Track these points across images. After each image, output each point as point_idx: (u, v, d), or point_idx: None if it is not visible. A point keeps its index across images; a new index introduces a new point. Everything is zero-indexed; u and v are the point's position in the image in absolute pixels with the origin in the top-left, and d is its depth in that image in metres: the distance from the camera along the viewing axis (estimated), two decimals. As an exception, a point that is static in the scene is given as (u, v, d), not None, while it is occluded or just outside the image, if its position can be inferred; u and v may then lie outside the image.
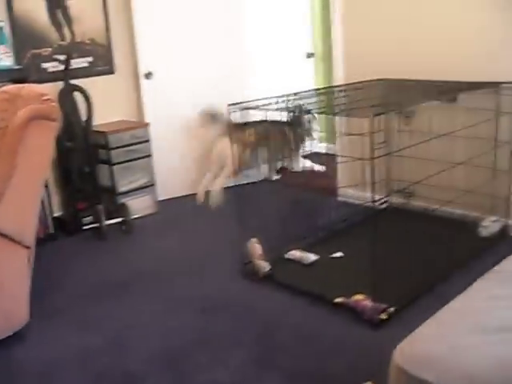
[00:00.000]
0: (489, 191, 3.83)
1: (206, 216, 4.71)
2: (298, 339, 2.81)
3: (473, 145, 3.81)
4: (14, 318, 2.91)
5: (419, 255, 3.38)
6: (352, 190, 4.10)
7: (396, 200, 4.26)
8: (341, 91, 3.73)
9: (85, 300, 3.39)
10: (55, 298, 3.44)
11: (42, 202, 4.25)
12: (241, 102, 3.29)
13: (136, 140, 4.74)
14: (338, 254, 3.59)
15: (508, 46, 3.61)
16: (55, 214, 4.55)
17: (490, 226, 3.74)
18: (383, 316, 2.87)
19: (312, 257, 3.60)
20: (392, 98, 3.59)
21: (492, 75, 3.67)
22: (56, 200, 4.68)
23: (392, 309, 2.91)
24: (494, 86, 3.63)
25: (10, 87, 2.92)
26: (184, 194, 5.26)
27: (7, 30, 4.29)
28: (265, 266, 3.46)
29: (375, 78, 4.12)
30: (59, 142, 4.39)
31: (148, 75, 4.97)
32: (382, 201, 4.30)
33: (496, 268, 2.09)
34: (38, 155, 2.89)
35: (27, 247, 2.90)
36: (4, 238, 2.77)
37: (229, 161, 4.14)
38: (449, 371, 1.48)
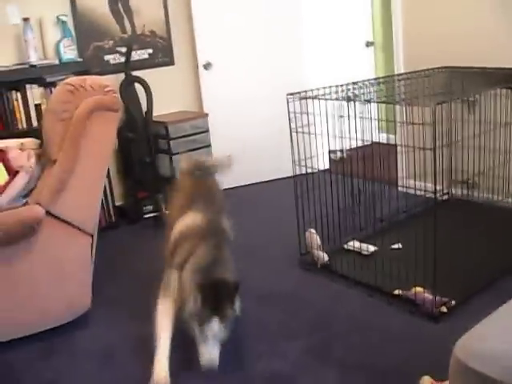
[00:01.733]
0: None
1: (265, 205, 4.73)
2: (355, 330, 2.79)
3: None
4: (77, 303, 3.00)
5: (481, 248, 3.29)
6: (412, 181, 4.03)
7: (458, 191, 4.15)
8: (401, 80, 3.66)
9: (144, 288, 3.44)
10: (116, 285, 3.52)
11: (105, 191, 4.35)
12: (299, 92, 3.28)
13: (195, 130, 4.79)
14: (398, 246, 3.53)
15: None
16: (117, 203, 4.65)
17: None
18: (443, 309, 2.81)
19: (371, 248, 3.57)
20: (455, 86, 3.49)
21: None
22: (118, 190, 4.79)
23: (452, 302, 2.85)
24: None
25: (74, 79, 2.98)
26: (243, 183, 5.28)
27: (70, 24, 4.41)
28: (323, 256, 3.44)
29: (437, 66, 4.02)
30: (121, 132, 4.50)
31: (207, 66, 5.01)
32: (444, 192, 4.21)
33: None
34: (101, 145, 2.96)
35: (90, 235, 2.98)
36: (68, 226, 2.86)
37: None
38: (509, 365, 1.44)
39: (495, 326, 1.61)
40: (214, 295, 2.30)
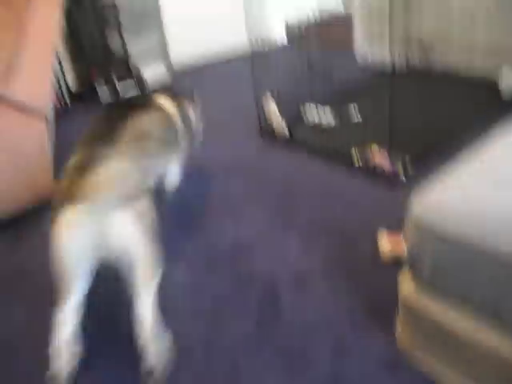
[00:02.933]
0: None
1: (222, 82, 4.66)
2: (317, 198, 2.86)
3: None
4: (39, 187, 2.99)
5: (437, 115, 3.33)
6: (370, 50, 3.98)
7: (416, 60, 4.13)
8: None
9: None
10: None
11: (57, 77, 4.22)
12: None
13: (146, 5, 4.59)
14: (356, 116, 3.55)
15: None
16: (72, 90, 4.54)
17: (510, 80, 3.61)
18: (401, 174, 2.88)
19: (330, 120, 3.58)
20: None
21: None
22: (71, 75, 4.65)
23: (407, 157, 2.91)
24: None
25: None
26: (199, 55, 5.15)
27: None
28: (283, 126, 3.45)
29: None
30: (67, 11, 4.28)
31: None
32: (401, 61, 4.20)
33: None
34: (47, 22, 2.84)
35: (45, 117, 2.92)
36: (22, 109, 2.79)
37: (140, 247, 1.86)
38: (464, 221, 1.51)
39: (448, 181, 1.67)
40: None
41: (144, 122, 2.24)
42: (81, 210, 1.72)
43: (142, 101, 2.45)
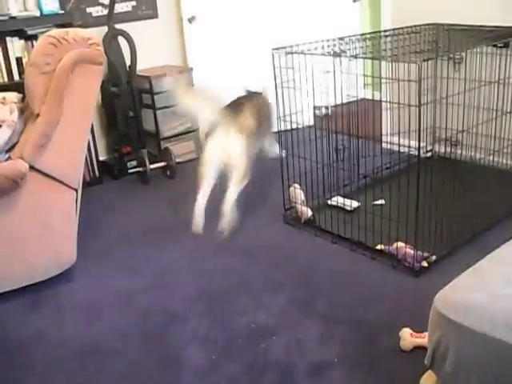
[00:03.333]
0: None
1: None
2: (338, 284, 2.84)
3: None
4: (62, 257, 3.01)
5: (463, 205, 3.33)
6: (397, 138, 4.03)
7: (441, 149, 4.18)
8: (388, 36, 3.63)
9: (128, 242, 3.48)
10: (100, 239, 3.53)
11: (88, 147, 4.32)
12: (284, 47, 3.25)
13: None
14: (380, 202, 3.57)
15: None
16: (101, 159, 4.63)
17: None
18: (424, 264, 2.87)
19: (354, 203, 3.60)
20: (441, 44, 3.48)
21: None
22: (102, 145, 4.77)
23: (433, 257, 2.91)
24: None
25: (56, 31, 2.92)
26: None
27: (52, -26, 4.29)
28: (307, 211, 3.47)
29: (424, 22, 3.99)
30: (104, 87, 4.44)
31: (191, 19, 4.92)
32: (427, 149, 4.24)
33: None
34: (84, 99, 2.93)
35: (74, 189, 2.97)
36: (52, 180, 2.85)
37: (240, 161, 3.33)
38: (489, 318, 1.48)
39: (473, 279, 1.65)
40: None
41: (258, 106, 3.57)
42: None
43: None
